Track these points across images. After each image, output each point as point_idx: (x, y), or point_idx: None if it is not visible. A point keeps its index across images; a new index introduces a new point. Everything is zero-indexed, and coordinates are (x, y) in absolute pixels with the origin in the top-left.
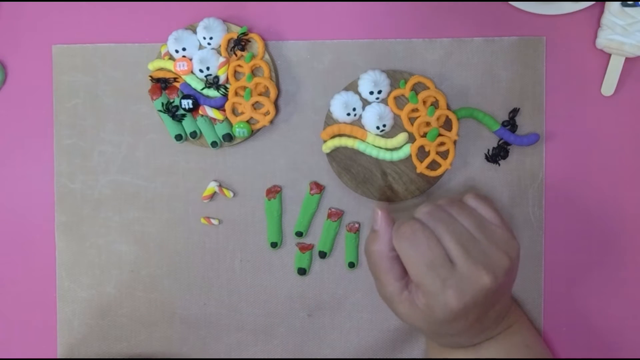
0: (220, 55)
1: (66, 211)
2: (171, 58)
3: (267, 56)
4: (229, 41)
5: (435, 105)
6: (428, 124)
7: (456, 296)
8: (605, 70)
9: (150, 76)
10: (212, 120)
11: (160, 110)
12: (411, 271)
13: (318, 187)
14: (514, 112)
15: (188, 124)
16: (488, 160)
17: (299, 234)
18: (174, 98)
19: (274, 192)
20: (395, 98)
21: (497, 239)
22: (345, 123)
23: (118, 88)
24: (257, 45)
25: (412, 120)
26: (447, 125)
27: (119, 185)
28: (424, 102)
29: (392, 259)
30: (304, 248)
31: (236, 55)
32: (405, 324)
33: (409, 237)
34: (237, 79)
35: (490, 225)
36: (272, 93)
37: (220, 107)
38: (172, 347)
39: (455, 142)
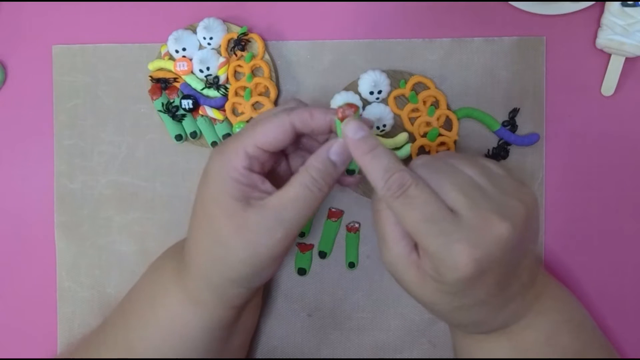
0: (220, 55)
1: (66, 211)
2: (171, 58)
3: (267, 56)
4: (229, 41)
5: (435, 105)
6: (428, 124)
7: (466, 251)
8: (605, 70)
9: (150, 76)
10: (212, 121)
11: (160, 111)
12: (410, 232)
13: None
14: (514, 112)
15: (188, 124)
16: None
17: (302, 235)
18: (174, 98)
19: None
20: (395, 98)
21: (506, 186)
22: None
23: (118, 88)
24: (257, 45)
25: (412, 120)
26: (447, 125)
27: (119, 186)
28: (424, 102)
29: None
30: (304, 248)
31: (236, 55)
32: (420, 306)
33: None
34: (237, 79)
35: (497, 174)
36: (272, 93)
37: (220, 107)
38: None
39: (455, 142)
